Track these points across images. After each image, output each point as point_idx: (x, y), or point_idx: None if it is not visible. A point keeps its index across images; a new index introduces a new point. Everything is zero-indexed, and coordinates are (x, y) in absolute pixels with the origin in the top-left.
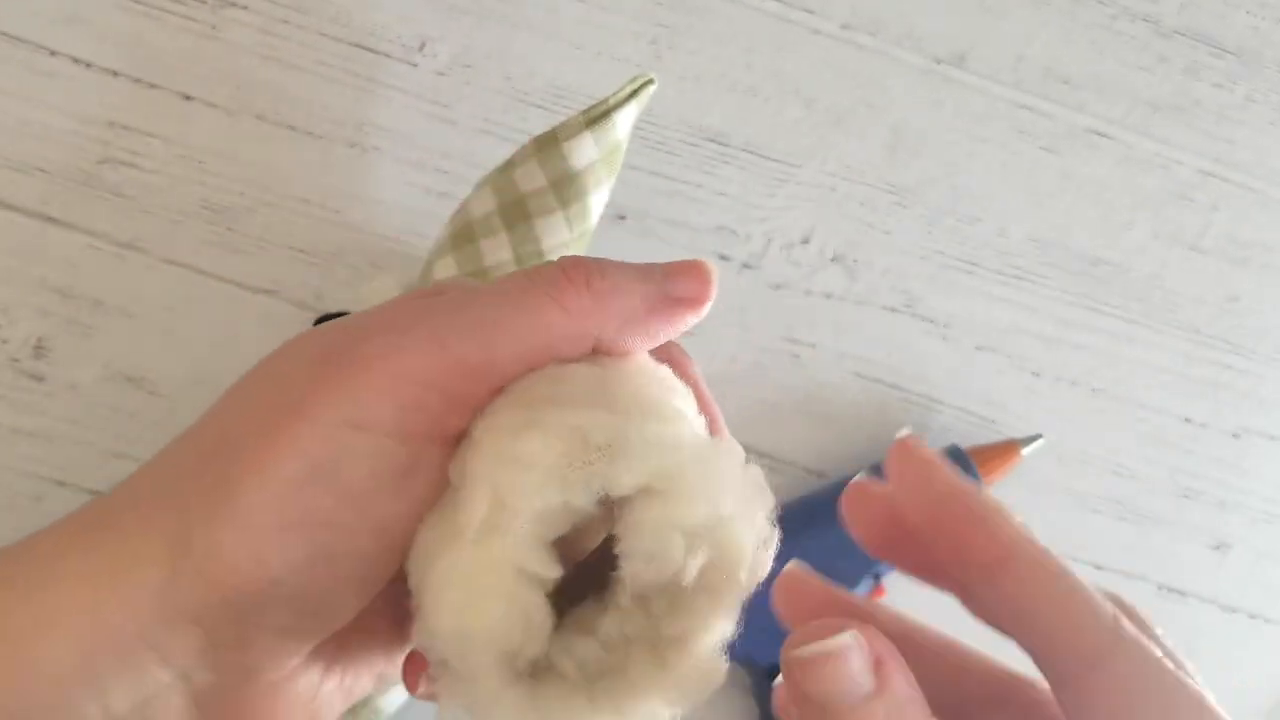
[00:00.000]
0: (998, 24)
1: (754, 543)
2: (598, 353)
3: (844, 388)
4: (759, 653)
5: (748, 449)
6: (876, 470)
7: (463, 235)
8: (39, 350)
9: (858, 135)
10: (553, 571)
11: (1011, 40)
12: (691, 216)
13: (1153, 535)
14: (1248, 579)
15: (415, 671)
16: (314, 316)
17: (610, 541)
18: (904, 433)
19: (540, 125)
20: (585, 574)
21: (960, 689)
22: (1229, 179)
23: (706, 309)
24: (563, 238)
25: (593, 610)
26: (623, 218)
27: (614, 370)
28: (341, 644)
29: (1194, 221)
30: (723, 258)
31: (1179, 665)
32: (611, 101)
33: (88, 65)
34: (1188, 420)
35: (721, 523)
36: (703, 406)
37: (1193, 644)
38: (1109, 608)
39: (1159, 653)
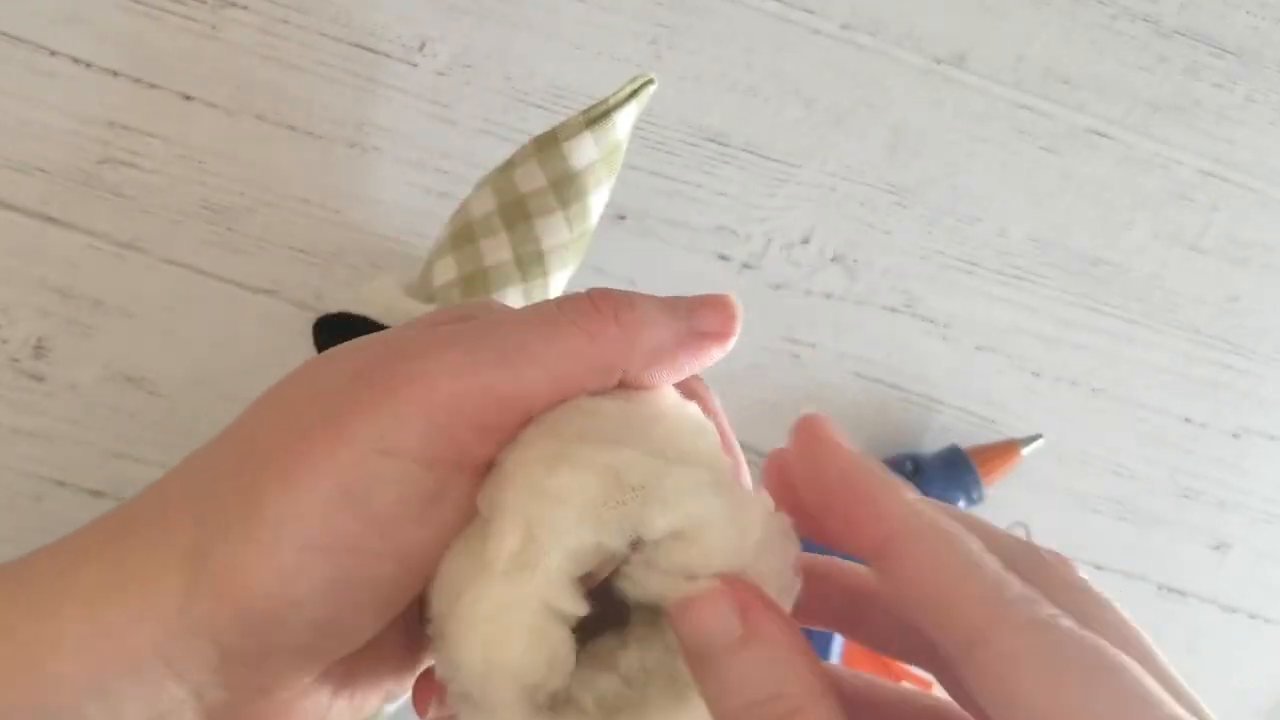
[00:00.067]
0: (998, 24)
1: (776, 589)
2: (623, 385)
3: (844, 388)
4: None
5: (748, 449)
6: None
7: (463, 235)
8: (39, 350)
9: (858, 135)
10: (580, 609)
11: (1011, 40)
12: (691, 216)
13: (1153, 535)
14: (1248, 579)
15: (425, 697)
16: (314, 316)
17: (626, 571)
18: (806, 410)
19: (540, 125)
20: (598, 600)
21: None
22: (1229, 179)
23: (732, 344)
24: (563, 238)
25: (612, 643)
26: (623, 218)
27: (644, 406)
28: (353, 664)
29: (1194, 221)
30: (723, 258)
31: (1108, 626)
32: (611, 101)
33: (88, 65)
34: (1188, 420)
35: (745, 570)
36: (726, 445)
37: (1193, 644)
38: (992, 576)
39: (1058, 619)
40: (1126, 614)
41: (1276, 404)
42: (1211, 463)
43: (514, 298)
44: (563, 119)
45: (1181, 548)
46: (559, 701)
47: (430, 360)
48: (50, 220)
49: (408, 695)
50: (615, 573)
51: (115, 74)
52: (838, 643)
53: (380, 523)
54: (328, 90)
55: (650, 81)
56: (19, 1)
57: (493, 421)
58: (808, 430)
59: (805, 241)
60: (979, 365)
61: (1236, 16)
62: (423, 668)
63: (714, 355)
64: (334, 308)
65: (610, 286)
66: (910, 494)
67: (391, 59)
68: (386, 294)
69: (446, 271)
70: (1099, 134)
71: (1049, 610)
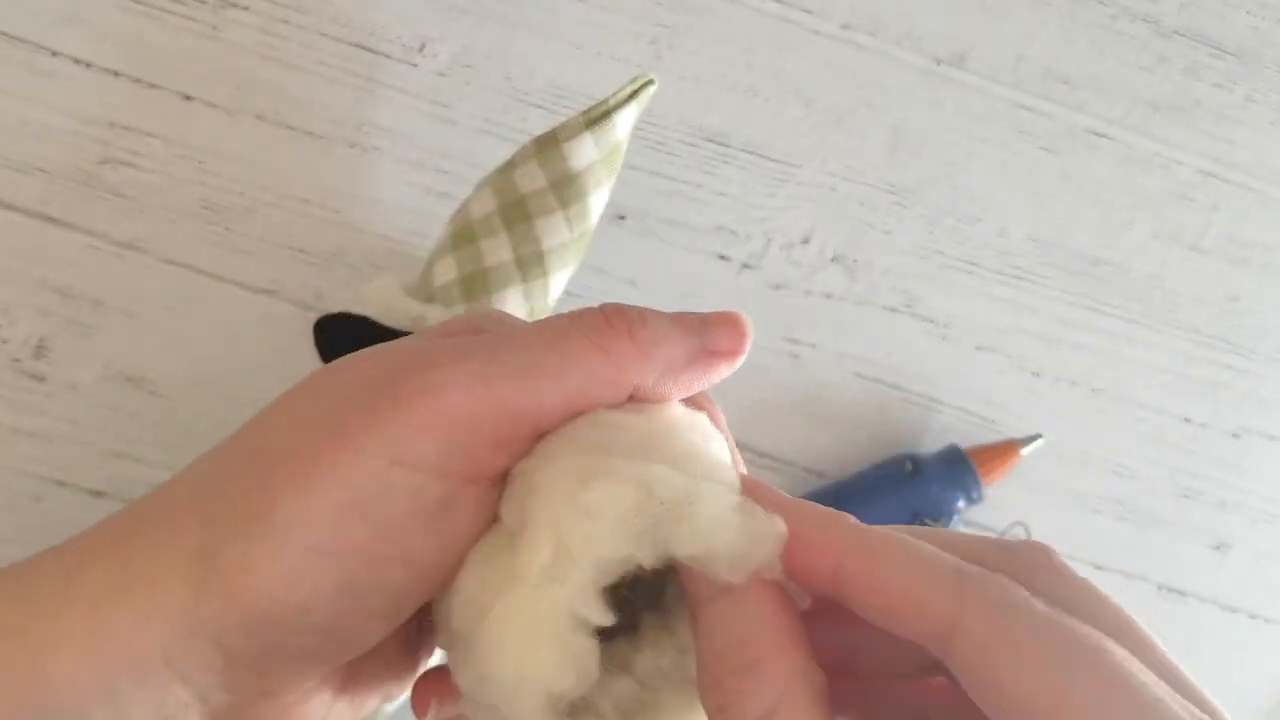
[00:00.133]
0: (998, 24)
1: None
2: (634, 400)
3: (844, 388)
4: None
5: (748, 449)
6: (877, 469)
7: (463, 235)
8: (39, 350)
9: (858, 135)
10: (607, 619)
11: (1011, 40)
12: (691, 216)
13: (1153, 535)
14: (1248, 579)
15: (425, 699)
16: (314, 316)
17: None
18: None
19: (540, 125)
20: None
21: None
22: (1229, 179)
23: (741, 361)
24: (563, 238)
25: (626, 647)
26: (623, 218)
27: (659, 420)
28: (356, 666)
29: (1194, 221)
30: (723, 258)
31: (1069, 596)
32: (611, 102)
33: (88, 65)
34: (1188, 420)
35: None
36: (734, 456)
37: (1193, 644)
38: (952, 566)
39: (1029, 600)
40: (1113, 599)
41: (1276, 404)
42: (1211, 463)
43: (514, 298)
44: (563, 119)
45: (1181, 548)
46: (576, 707)
47: (444, 373)
48: (50, 220)
49: (406, 695)
50: (629, 578)
51: (115, 74)
52: None
53: (390, 531)
54: (328, 90)
55: (650, 82)
56: (19, 1)
57: (506, 435)
58: (750, 493)
59: (805, 241)
60: (979, 365)
61: (1236, 16)
62: (422, 669)
63: (723, 373)
64: (334, 308)
65: (610, 286)
66: (852, 520)
67: (391, 59)
68: (386, 294)
69: (446, 272)
70: (1099, 134)
71: (1019, 593)
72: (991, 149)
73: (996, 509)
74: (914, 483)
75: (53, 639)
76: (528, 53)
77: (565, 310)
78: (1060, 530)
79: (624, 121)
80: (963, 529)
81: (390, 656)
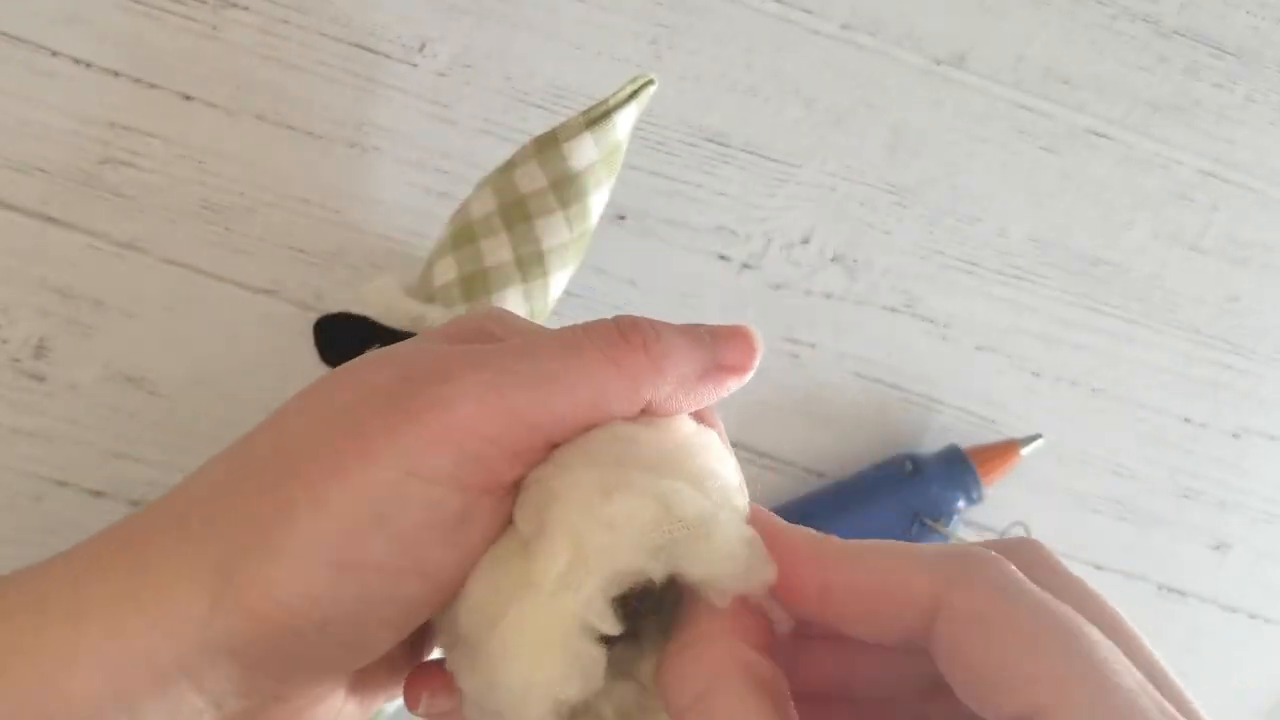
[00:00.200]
0: (998, 24)
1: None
2: (645, 413)
3: (844, 388)
4: None
5: (748, 449)
6: (877, 469)
7: (463, 235)
8: (39, 350)
9: (858, 135)
10: (616, 629)
11: (1011, 40)
12: (691, 216)
13: (1153, 535)
14: (1248, 579)
15: (417, 693)
16: (314, 316)
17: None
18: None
19: (540, 125)
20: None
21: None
22: (1229, 179)
23: (750, 376)
24: (563, 238)
25: (628, 652)
26: (623, 218)
27: (671, 434)
28: (365, 671)
29: (1194, 221)
30: (723, 258)
31: (1051, 576)
32: (611, 102)
33: (88, 65)
34: (1188, 420)
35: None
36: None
37: (1193, 644)
38: (935, 553)
39: (1008, 575)
40: (1102, 595)
41: (1276, 404)
42: (1211, 463)
43: (514, 298)
44: (563, 119)
45: (1181, 548)
46: (577, 711)
47: (456, 386)
48: (50, 220)
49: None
50: (637, 589)
51: (115, 74)
52: None
53: (408, 543)
54: (328, 90)
55: (650, 82)
56: (19, 1)
57: (521, 446)
58: (753, 520)
59: (805, 241)
60: (979, 365)
61: (1236, 16)
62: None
63: (732, 388)
64: (334, 308)
65: (610, 286)
66: (839, 539)
67: (391, 59)
68: (386, 294)
69: (447, 272)
70: (1099, 134)
71: (1010, 573)
72: (991, 149)
73: (996, 509)
74: (914, 483)
75: (69, 651)
76: (528, 53)
77: (565, 310)
78: (1060, 530)
79: (624, 121)
80: (963, 529)
81: (399, 658)
